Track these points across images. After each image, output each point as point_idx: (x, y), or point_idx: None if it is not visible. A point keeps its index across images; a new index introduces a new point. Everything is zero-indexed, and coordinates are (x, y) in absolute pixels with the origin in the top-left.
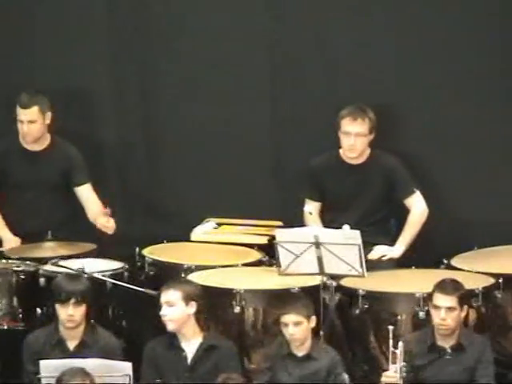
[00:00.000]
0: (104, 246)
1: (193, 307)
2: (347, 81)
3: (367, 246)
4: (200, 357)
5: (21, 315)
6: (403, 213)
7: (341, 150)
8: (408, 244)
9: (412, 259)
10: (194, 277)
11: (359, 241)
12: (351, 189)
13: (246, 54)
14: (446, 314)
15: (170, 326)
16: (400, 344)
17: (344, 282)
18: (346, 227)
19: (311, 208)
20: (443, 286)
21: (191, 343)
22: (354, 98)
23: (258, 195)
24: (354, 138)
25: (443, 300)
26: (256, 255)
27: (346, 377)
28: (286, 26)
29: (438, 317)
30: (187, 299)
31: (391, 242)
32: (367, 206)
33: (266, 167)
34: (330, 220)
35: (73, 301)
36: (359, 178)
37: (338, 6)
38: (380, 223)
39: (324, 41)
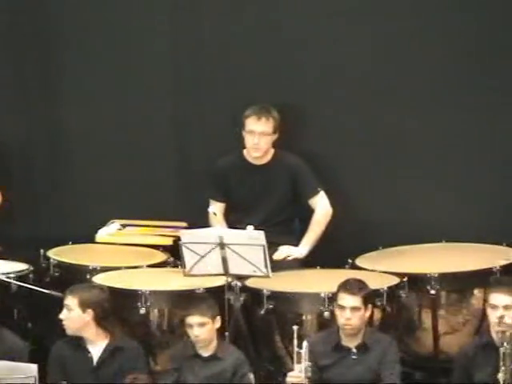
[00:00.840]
0: (8, 248)
1: (89, 315)
2: (252, 80)
3: (272, 246)
4: (105, 358)
5: None
6: (308, 213)
7: (245, 151)
8: (312, 244)
9: (317, 259)
10: (99, 278)
11: (264, 241)
12: (255, 189)
13: (149, 54)
14: (350, 313)
15: (68, 330)
16: (305, 344)
17: (249, 283)
18: (250, 227)
19: (215, 208)
20: (348, 286)
21: (97, 345)
22: (258, 98)
23: (163, 196)
24: (259, 137)
25: (348, 300)
26: (161, 256)
27: (251, 377)
28: (189, 25)
29: (342, 317)
30: (84, 306)
31: (296, 242)
32: (271, 207)
33: (170, 168)
34: (234, 220)
35: None
36: (263, 178)
37: (240, 6)
38: (284, 223)
39: (228, 41)
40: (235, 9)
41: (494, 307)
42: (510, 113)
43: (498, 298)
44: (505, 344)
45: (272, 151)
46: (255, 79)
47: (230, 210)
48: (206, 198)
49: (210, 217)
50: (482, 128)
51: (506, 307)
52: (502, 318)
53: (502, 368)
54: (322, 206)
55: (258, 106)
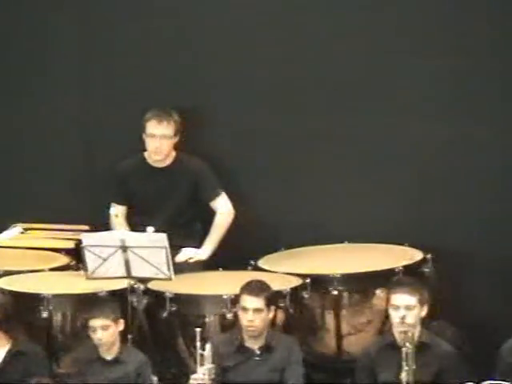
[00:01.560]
0: None
1: None
2: (155, 82)
3: (174, 248)
4: (8, 363)
5: None
6: (209, 215)
7: (146, 153)
8: (214, 246)
9: (219, 261)
10: (0, 282)
11: (166, 243)
12: (157, 192)
13: (55, 54)
14: (253, 315)
15: None
16: (208, 346)
17: (152, 285)
18: (150, 229)
19: (117, 211)
20: (250, 288)
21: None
22: (160, 101)
23: (65, 199)
24: (160, 141)
25: (250, 301)
26: (63, 260)
27: (154, 380)
28: (97, 26)
29: (245, 318)
30: None
31: (198, 244)
32: (173, 209)
33: (73, 171)
34: (136, 223)
35: None
36: (165, 181)
37: (148, 8)
38: (186, 225)
39: (133, 41)
40: (134, 11)
41: (396, 307)
42: (404, 113)
43: (399, 299)
44: (407, 344)
45: (173, 154)
46: (159, 81)
47: (132, 213)
48: (107, 201)
49: (112, 219)
50: (380, 130)
51: (408, 307)
52: (403, 318)
53: (405, 368)
54: (223, 208)
55: (159, 108)
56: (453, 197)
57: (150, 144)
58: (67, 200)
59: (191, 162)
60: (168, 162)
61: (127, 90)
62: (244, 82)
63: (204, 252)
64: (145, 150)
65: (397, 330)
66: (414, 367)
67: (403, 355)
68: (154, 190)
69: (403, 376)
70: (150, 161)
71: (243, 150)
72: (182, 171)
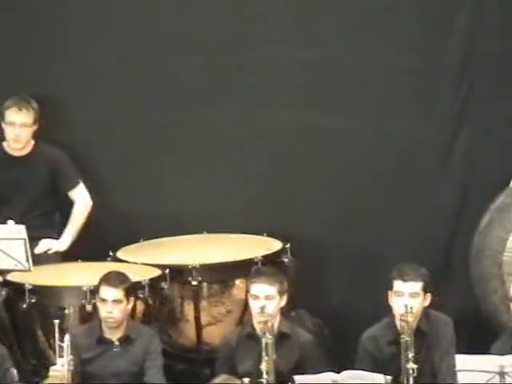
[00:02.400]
0: None
1: None
2: (12, 71)
3: (33, 240)
4: None
5: None
6: (68, 205)
7: (4, 143)
8: (73, 237)
9: (78, 252)
10: None
11: (24, 235)
12: (15, 181)
13: None
14: (112, 306)
15: None
16: (67, 337)
17: (10, 277)
18: (11, 222)
19: None
20: (109, 279)
21: None
22: (17, 89)
23: None
24: (19, 129)
25: (109, 293)
26: None
27: (14, 372)
28: None
29: (104, 310)
30: None
31: (57, 235)
32: (32, 199)
33: None
34: None
35: None
36: (23, 170)
37: None
38: (45, 216)
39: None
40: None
41: (256, 298)
42: (259, 102)
43: (259, 289)
44: (267, 334)
45: (32, 143)
46: (14, 70)
47: None
48: None
49: None
50: (236, 120)
51: (267, 297)
52: (263, 308)
53: (265, 358)
54: (80, 199)
55: (18, 96)
56: (311, 187)
57: (10, 132)
58: None
59: (50, 151)
60: (27, 150)
61: None
62: (102, 71)
63: (63, 243)
64: (3, 139)
65: (256, 320)
66: (274, 357)
67: (263, 345)
68: (13, 179)
69: (263, 366)
70: (8, 150)
71: (102, 141)
72: (40, 160)
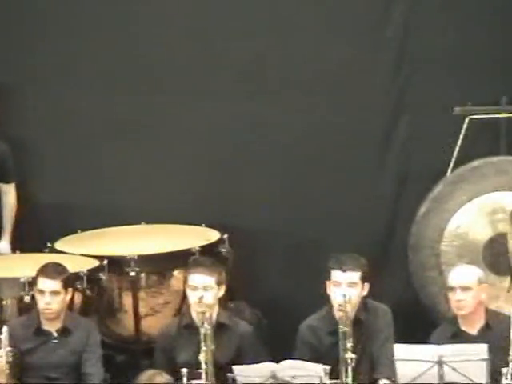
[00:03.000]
0: None
1: None
2: None
3: None
4: None
5: None
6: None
7: None
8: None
9: (16, 243)
10: None
11: None
12: None
13: None
14: (50, 297)
15: None
16: (4, 329)
17: None
18: None
19: None
20: (46, 270)
21: None
22: None
23: None
24: None
25: (47, 284)
26: None
27: None
28: None
29: (42, 301)
30: None
31: None
32: None
33: None
34: None
35: None
36: None
37: None
38: None
39: None
40: None
41: (194, 288)
42: (206, 96)
43: (197, 279)
44: (205, 324)
45: None
46: None
47: None
48: None
49: None
50: (176, 109)
51: (206, 288)
52: (201, 298)
53: (204, 348)
54: (11, 196)
55: None
56: (247, 177)
57: None
58: None
59: None
60: None
61: None
62: (47, 60)
63: (7, 246)
64: None
65: (195, 311)
66: (213, 347)
67: (201, 336)
68: None
69: (202, 356)
70: None
71: (41, 132)
72: None
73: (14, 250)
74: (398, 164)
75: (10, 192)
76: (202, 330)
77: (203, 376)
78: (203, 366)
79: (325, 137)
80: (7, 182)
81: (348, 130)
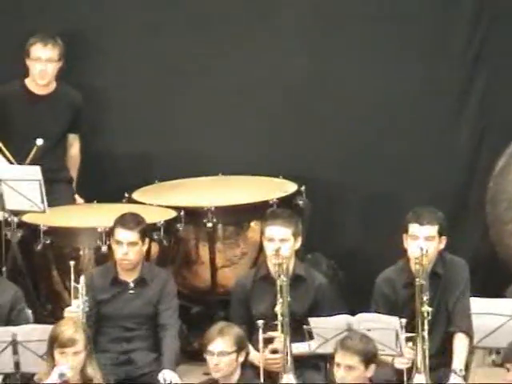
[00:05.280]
0: None
1: None
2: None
3: (48, 181)
4: None
5: None
6: None
7: (27, 80)
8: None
9: (93, 193)
10: None
11: (40, 177)
12: (37, 119)
13: None
14: (127, 248)
15: None
16: (81, 279)
17: (26, 218)
18: (40, 141)
19: None
20: (124, 221)
21: None
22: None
23: None
24: (45, 64)
25: (124, 235)
26: None
27: (28, 312)
28: None
29: (119, 251)
30: None
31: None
32: (51, 138)
33: None
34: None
35: None
36: (46, 109)
37: None
38: (61, 159)
39: None
40: None
41: (271, 240)
42: (283, 48)
43: (274, 231)
44: (281, 276)
45: (54, 83)
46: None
47: (8, 141)
48: None
49: None
50: (254, 62)
51: (283, 240)
52: (278, 250)
53: (280, 300)
54: (76, 149)
55: (43, 33)
56: (327, 130)
57: (36, 68)
58: None
59: (73, 94)
60: (50, 89)
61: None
62: (119, 10)
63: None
64: (24, 77)
65: (271, 263)
66: (289, 299)
67: (278, 287)
68: (35, 117)
69: (278, 308)
70: (31, 87)
71: (118, 82)
72: (63, 100)
73: (91, 199)
74: (477, 119)
75: (76, 143)
76: (279, 282)
77: (279, 328)
78: (279, 317)
79: (403, 89)
80: (75, 132)
81: (426, 83)
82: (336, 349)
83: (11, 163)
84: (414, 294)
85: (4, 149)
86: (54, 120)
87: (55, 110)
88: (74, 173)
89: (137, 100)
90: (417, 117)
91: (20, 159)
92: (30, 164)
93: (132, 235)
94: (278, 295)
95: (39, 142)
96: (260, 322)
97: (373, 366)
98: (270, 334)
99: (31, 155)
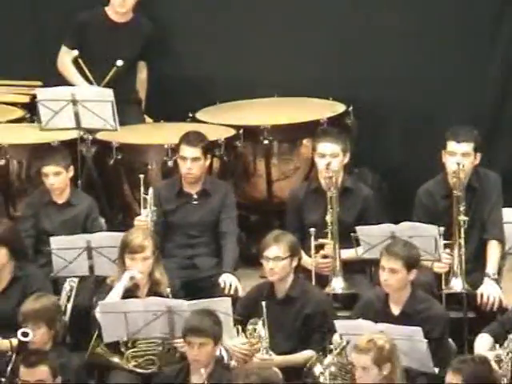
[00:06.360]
0: None
1: None
2: None
3: (121, 102)
4: None
5: None
6: None
7: (107, 8)
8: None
9: (160, 113)
10: None
11: (112, 98)
12: (112, 44)
13: None
14: (191, 163)
15: None
16: (150, 191)
17: (99, 136)
18: (120, 62)
19: (69, 56)
20: (188, 138)
21: None
22: None
23: (19, 55)
24: None
25: (188, 151)
26: (19, 112)
27: (102, 221)
28: None
29: (184, 166)
30: None
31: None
32: (128, 62)
33: (25, 26)
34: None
35: None
36: (122, 36)
37: None
38: (133, 80)
39: None
40: None
41: (322, 155)
42: None
43: (325, 147)
44: (332, 189)
45: (131, 13)
46: None
47: (88, 63)
48: (63, 45)
49: (63, 64)
50: None
51: (333, 155)
52: (329, 165)
53: (330, 210)
54: (143, 74)
55: None
56: (373, 53)
57: None
58: (20, 56)
59: (145, 23)
60: (127, 18)
61: None
62: None
63: None
64: (104, 4)
65: (322, 176)
66: (338, 209)
67: (328, 199)
68: (110, 43)
69: (328, 217)
70: (111, 15)
71: (185, 7)
72: (137, 29)
73: (159, 119)
74: (508, 46)
75: (144, 68)
76: (329, 194)
77: (329, 235)
78: (329, 226)
79: (441, 14)
80: (144, 59)
81: (461, 9)
82: (381, 254)
83: (91, 83)
84: (452, 205)
85: (86, 69)
86: (129, 46)
87: (130, 37)
88: (142, 95)
89: (201, 27)
90: (453, 37)
91: (98, 80)
92: (107, 84)
93: (195, 151)
94: (329, 206)
95: (119, 63)
96: (312, 230)
97: (414, 271)
98: (321, 240)
99: (109, 76)
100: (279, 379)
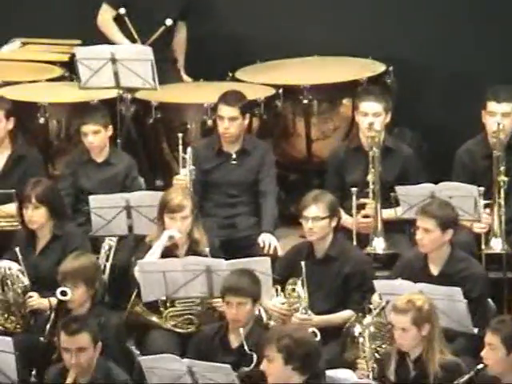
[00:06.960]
0: None
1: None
2: None
3: (159, 61)
4: (9, 167)
5: None
6: None
7: None
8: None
9: (199, 72)
10: (2, 92)
11: (151, 57)
12: (158, 4)
13: None
14: (229, 123)
15: None
16: (189, 150)
17: (138, 95)
18: (169, 21)
19: (110, 14)
20: (226, 98)
21: (1, 155)
22: None
23: (59, 22)
24: None
25: (226, 110)
26: (58, 71)
27: (141, 180)
28: None
29: (222, 126)
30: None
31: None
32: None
33: None
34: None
35: None
36: None
37: None
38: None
39: None
40: None
41: (365, 114)
42: None
43: (368, 106)
44: (374, 148)
45: None
46: None
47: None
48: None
49: (103, 22)
50: None
51: (375, 114)
52: (371, 124)
53: (372, 170)
54: (182, 34)
55: None
56: (413, 14)
57: None
58: (60, 18)
59: None
60: None
61: None
62: None
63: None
64: None
65: (364, 135)
66: (380, 169)
67: (370, 158)
68: (156, 3)
69: (370, 177)
70: None
71: None
72: None
73: (198, 78)
74: None
75: (184, 29)
76: (371, 153)
77: (370, 195)
78: (370, 185)
79: None
80: (183, 20)
81: None
82: (417, 213)
83: (134, 41)
84: (492, 165)
85: (131, 27)
86: (171, 7)
87: None
88: (181, 55)
89: None
90: (494, 8)
91: (143, 39)
92: (152, 43)
93: (233, 111)
94: (370, 165)
95: (168, 22)
96: (354, 190)
97: (450, 231)
98: (363, 200)
99: (157, 34)
100: (314, 340)
